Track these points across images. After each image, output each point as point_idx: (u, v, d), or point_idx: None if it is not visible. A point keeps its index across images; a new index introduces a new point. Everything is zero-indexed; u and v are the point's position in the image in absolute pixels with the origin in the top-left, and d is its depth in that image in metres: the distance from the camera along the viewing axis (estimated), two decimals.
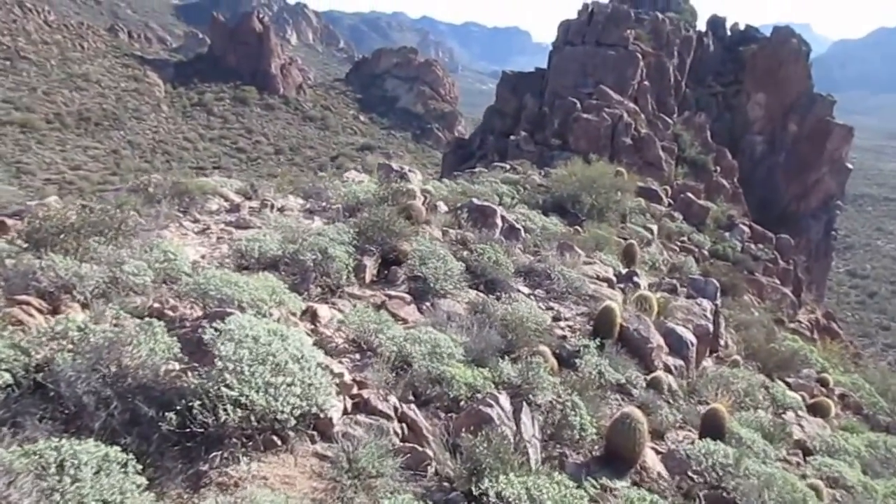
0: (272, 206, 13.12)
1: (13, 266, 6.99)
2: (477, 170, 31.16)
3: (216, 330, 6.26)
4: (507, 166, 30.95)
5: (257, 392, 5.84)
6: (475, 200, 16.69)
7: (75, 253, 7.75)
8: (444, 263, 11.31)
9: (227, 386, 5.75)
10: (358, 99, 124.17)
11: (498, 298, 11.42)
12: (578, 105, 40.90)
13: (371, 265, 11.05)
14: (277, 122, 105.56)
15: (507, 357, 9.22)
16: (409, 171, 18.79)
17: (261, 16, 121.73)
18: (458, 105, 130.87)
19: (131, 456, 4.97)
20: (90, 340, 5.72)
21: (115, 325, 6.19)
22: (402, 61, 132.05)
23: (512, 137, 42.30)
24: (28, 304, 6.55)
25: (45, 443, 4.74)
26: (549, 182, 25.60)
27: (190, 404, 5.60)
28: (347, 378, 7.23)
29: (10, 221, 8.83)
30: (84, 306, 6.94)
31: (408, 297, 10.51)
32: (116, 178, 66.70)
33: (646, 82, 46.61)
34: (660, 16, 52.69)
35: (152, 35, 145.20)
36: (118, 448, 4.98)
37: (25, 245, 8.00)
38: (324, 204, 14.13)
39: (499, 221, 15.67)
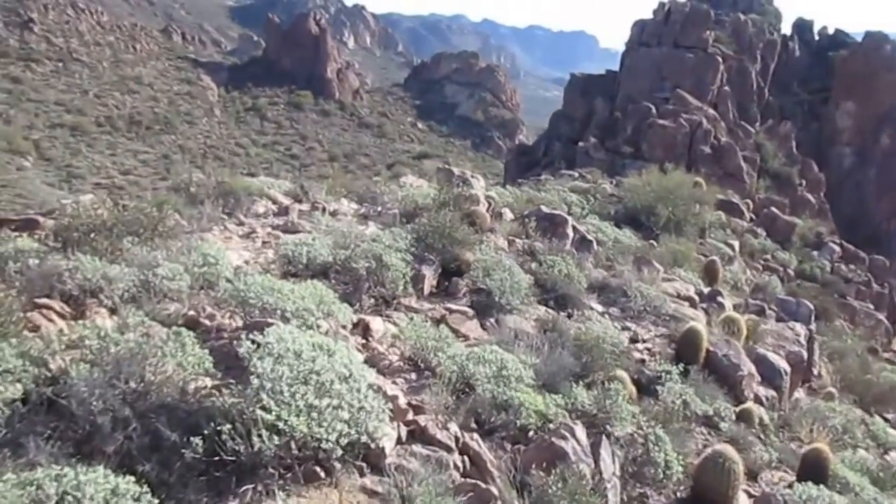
0: (323, 210, 12.47)
1: (37, 266, 6.43)
2: (543, 177, 30.02)
3: (253, 343, 5.52)
4: (576, 174, 29.67)
5: (298, 416, 5.09)
6: (544, 208, 15.72)
7: (106, 253, 7.18)
8: (511, 276, 10.43)
9: (263, 408, 5.03)
10: (416, 105, 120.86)
11: (569, 316, 10.56)
12: (654, 110, 38.87)
13: (430, 275, 10.24)
14: (332, 129, 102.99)
15: (581, 382, 8.25)
16: (472, 176, 17.99)
17: (317, 18, 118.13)
18: (519, 112, 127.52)
19: (146, 488, 4.32)
20: (110, 351, 5.05)
21: (143, 335, 5.50)
22: (462, 66, 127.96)
23: (580, 144, 40.58)
24: (49, 308, 5.96)
25: (45, 471, 4.10)
26: (621, 192, 24.28)
27: (220, 428, 4.89)
28: (402, 401, 6.42)
29: (42, 220, 8.41)
30: (112, 312, 6.32)
31: (470, 312, 9.70)
32: (166, 183, 67.93)
33: (726, 87, 44.00)
34: (742, 17, 49.74)
35: (206, 37, 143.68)
36: (132, 478, 4.33)
37: (55, 244, 7.51)
38: (379, 209, 13.43)
39: (570, 232, 14.66)
